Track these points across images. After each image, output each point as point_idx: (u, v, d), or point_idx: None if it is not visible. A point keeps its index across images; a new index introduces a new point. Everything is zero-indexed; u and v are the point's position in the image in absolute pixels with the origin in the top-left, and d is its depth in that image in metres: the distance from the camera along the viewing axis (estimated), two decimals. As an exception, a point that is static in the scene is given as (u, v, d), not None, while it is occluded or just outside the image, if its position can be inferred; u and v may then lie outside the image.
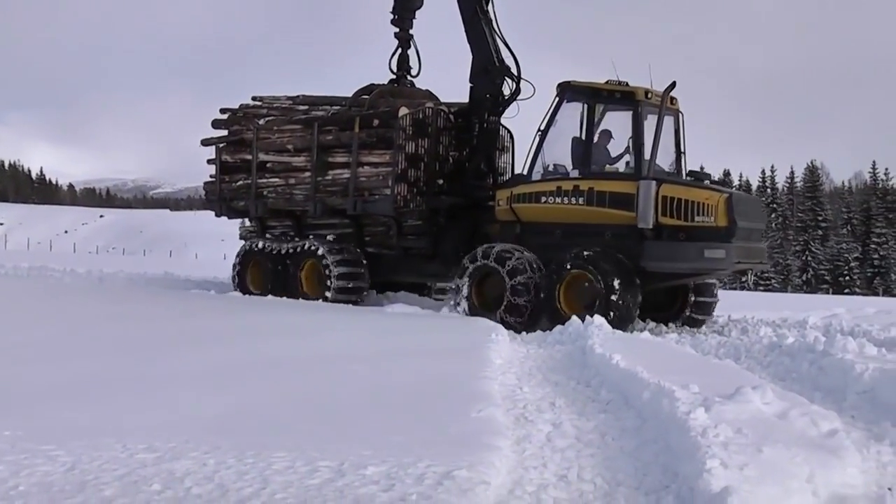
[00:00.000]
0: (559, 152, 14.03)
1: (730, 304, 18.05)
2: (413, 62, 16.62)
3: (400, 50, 16.51)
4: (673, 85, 12.88)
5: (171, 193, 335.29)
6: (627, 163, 13.63)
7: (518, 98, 15.00)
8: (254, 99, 17.71)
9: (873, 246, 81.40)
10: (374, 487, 4.33)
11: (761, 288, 70.34)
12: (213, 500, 4.05)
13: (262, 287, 16.33)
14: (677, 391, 6.37)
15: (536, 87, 14.94)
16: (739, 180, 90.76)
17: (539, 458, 5.50)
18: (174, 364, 7.87)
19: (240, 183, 17.11)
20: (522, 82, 14.98)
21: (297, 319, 12.11)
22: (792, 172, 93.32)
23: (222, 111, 17.74)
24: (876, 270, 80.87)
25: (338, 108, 16.31)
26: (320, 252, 15.32)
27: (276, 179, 16.50)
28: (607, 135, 13.83)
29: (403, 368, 8.10)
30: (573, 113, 13.89)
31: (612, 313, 12.29)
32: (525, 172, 14.06)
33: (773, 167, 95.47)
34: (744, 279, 36.18)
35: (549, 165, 13.96)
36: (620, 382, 7.57)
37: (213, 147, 17.69)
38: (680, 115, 13.77)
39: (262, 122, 16.76)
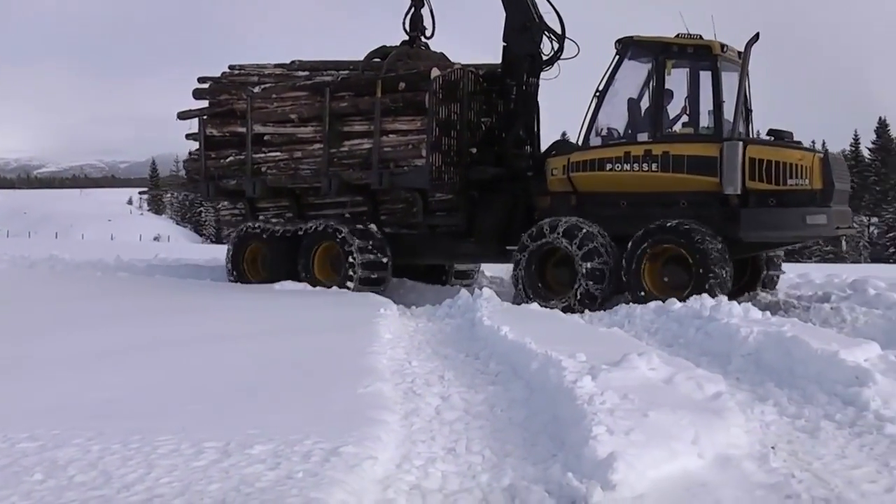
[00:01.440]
0: (618, 115, 12.72)
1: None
2: (427, 22, 14.96)
3: (413, 9, 14.82)
4: (756, 37, 11.64)
5: (56, 172, 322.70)
6: (684, 124, 12.45)
7: (561, 58, 13.54)
8: (231, 68, 15.75)
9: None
10: (261, 466, 4.30)
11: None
12: (97, 488, 3.96)
13: (264, 274, 14.46)
14: (564, 360, 6.45)
15: (579, 46, 13.53)
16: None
17: (427, 431, 5.53)
18: (56, 347, 7.76)
19: (230, 159, 15.12)
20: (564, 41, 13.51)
21: (187, 299, 12.16)
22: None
23: (202, 80, 15.71)
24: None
25: (345, 72, 14.51)
26: (342, 234, 13.52)
27: (278, 153, 14.61)
28: (668, 94, 12.53)
29: (291, 346, 8.11)
30: (636, 72, 12.59)
31: (712, 293, 11.04)
32: (582, 138, 12.66)
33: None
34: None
35: (603, 129, 12.62)
36: (509, 354, 7.61)
37: (196, 121, 15.64)
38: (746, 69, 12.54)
39: (257, 89, 14.83)
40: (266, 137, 14.71)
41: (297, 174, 14.42)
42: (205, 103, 15.66)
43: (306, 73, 14.92)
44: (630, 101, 12.66)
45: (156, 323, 9.61)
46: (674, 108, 12.62)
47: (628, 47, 12.38)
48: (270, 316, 10.43)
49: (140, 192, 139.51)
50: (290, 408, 5.54)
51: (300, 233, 14.14)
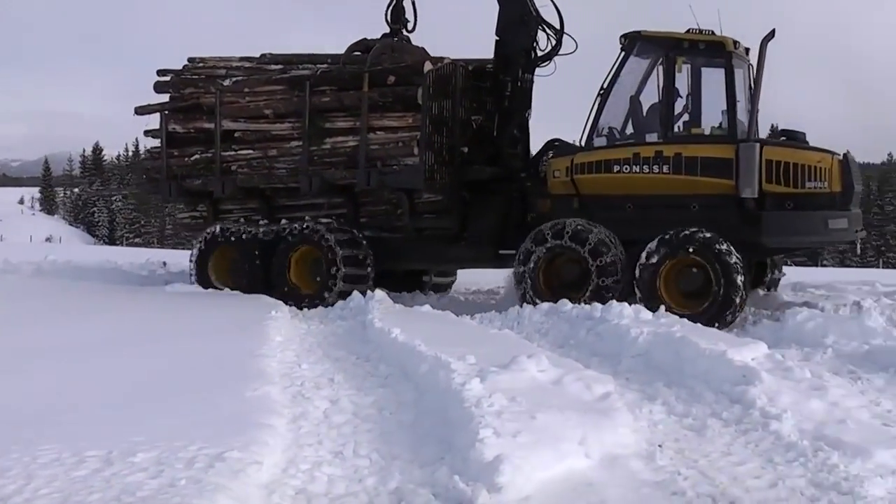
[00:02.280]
0: (622, 114, 12.12)
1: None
2: (409, 15, 14.12)
3: (395, 1, 13.97)
4: (772, 34, 11.17)
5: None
6: (686, 123, 11.93)
7: (559, 53, 12.88)
8: (191, 60, 14.66)
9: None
10: (143, 475, 4.24)
11: None
12: None
13: (232, 280, 13.41)
14: (454, 363, 6.50)
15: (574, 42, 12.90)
16: None
17: (315, 435, 5.54)
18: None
19: (196, 157, 14.01)
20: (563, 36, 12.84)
21: (75, 302, 11.81)
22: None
23: (162, 72, 14.58)
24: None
25: (324, 66, 13.58)
26: (329, 242, 12.58)
27: (250, 151, 13.58)
28: (677, 93, 11.97)
29: (179, 349, 7.95)
30: (642, 69, 12.02)
31: (732, 305, 10.53)
32: (585, 138, 12.02)
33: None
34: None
35: (604, 129, 12.00)
36: (399, 356, 7.63)
37: (156, 116, 14.51)
38: (751, 67, 12.09)
39: (227, 82, 13.79)
40: (237, 134, 13.68)
41: (271, 173, 13.44)
42: (165, 97, 14.54)
43: (279, 66, 13.91)
44: (635, 99, 12.06)
45: (41, 327, 9.38)
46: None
47: (635, 43, 11.79)
48: (159, 319, 10.22)
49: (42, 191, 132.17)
50: (176, 413, 5.47)
51: (277, 236, 13.14)
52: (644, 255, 11.07)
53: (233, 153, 13.66)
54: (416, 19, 14.06)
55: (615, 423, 5.47)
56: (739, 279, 10.66)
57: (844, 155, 11.14)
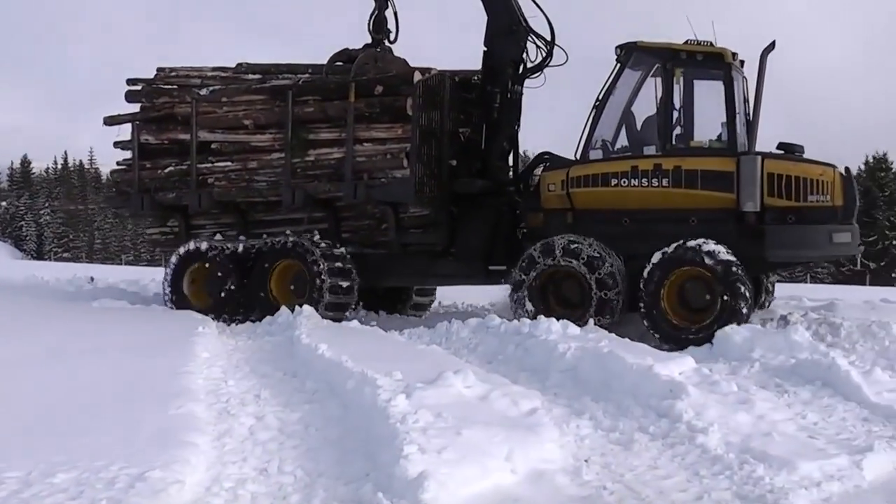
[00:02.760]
0: (615, 126, 11.85)
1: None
2: (391, 26, 13.71)
3: (377, 11, 13.55)
4: (772, 45, 10.98)
5: None
6: (678, 136, 11.61)
7: (549, 65, 12.58)
8: (160, 70, 14.10)
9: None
10: (62, 496, 4.19)
11: None
12: None
13: (210, 300, 12.83)
14: (380, 379, 6.50)
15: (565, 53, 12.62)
16: None
17: (239, 452, 5.48)
18: None
19: (170, 169, 13.43)
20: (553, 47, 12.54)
21: None
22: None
23: (133, 81, 13.99)
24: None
25: (306, 76, 13.13)
26: (314, 255, 12.11)
27: (228, 163, 13.05)
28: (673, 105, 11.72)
29: (102, 366, 7.76)
30: (638, 80, 11.77)
31: (739, 316, 10.28)
32: (580, 151, 11.71)
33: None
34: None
35: (597, 141, 11.71)
36: (326, 372, 7.60)
37: (126, 126, 13.90)
38: (745, 79, 11.89)
39: (203, 92, 13.25)
40: (214, 145, 13.15)
41: (250, 186, 12.92)
42: (135, 107, 13.95)
43: (257, 76, 13.43)
44: (629, 111, 11.81)
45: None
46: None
47: (631, 53, 11.52)
48: (84, 335, 9.94)
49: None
50: (98, 432, 5.34)
51: (258, 251, 12.61)
52: (649, 269, 10.76)
53: (209, 165, 13.12)
54: (397, 30, 13.67)
55: (541, 438, 5.47)
56: (745, 289, 10.41)
57: (846, 168, 10.99)
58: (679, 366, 7.68)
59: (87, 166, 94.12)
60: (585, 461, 5.48)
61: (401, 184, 11.86)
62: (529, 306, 11.17)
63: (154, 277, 19.41)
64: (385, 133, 12.09)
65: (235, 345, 10.17)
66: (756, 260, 10.87)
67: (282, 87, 12.78)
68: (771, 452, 5.50)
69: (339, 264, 12.25)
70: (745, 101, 11.74)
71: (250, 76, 13.45)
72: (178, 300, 13.03)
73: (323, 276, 12.04)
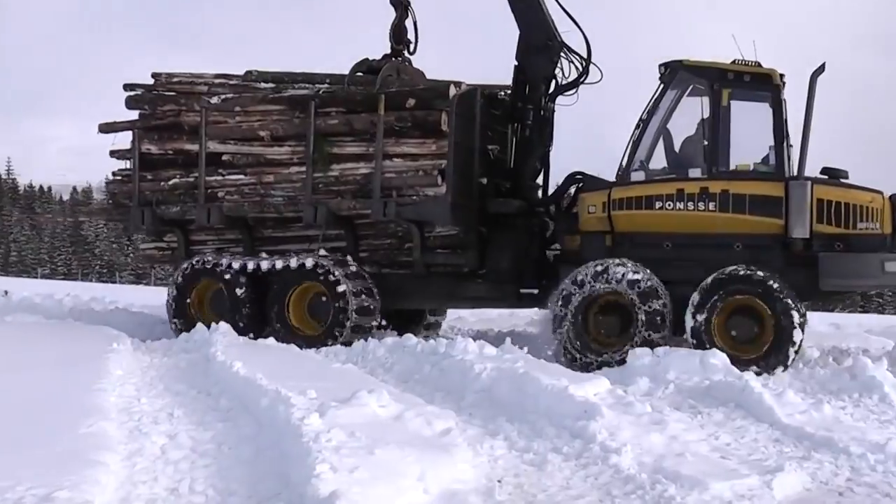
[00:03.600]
0: (659, 147, 11.57)
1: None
2: (410, 35, 13.17)
3: (398, 20, 13.00)
4: (822, 68, 10.81)
5: None
6: (724, 159, 11.21)
7: (584, 82, 12.19)
8: (156, 77, 13.30)
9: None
10: None
11: None
12: None
13: (219, 320, 12.03)
14: (294, 397, 6.49)
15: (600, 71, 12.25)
16: None
17: (150, 472, 5.39)
18: None
19: (174, 181, 12.65)
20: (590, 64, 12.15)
21: None
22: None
23: (130, 87, 13.15)
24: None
25: (324, 86, 12.49)
26: (336, 275, 11.50)
27: (241, 177, 12.33)
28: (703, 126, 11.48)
29: (13, 383, 7.55)
30: (684, 100, 11.50)
31: (791, 353, 10.03)
32: (621, 172, 11.36)
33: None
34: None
35: (636, 163, 11.39)
36: (241, 390, 7.55)
37: (123, 135, 13.11)
38: (785, 101, 11.66)
39: (214, 100, 12.50)
40: (225, 157, 12.42)
41: (264, 201, 12.22)
42: (133, 114, 13.14)
43: (270, 84, 12.73)
44: (664, 131, 11.51)
45: None
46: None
47: (676, 73, 11.23)
48: None
49: None
50: (4, 451, 5.18)
51: (276, 270, 11.91)
52: (698, 296, 10.43)
53: (220, 178, 12.39)
54: (416, 41, 13.14)
55: (455, 458, 5.50)
56: (798, 318, 10.17)
57: (893, 195, 10.87)
58: (594, 387, 7.71)
59: (3, 177, 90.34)
60: (498, 482, 5.51)
61: (436, 203, 11.34)
62: (572, 334, 10.72)
63: (70, 292, 19.00)
64: (417, 148, 11.55)
65: (150, 362, 10.04)
66: (806, 288, 10.64)
67: (302, 97, 12.13)
68: (683, 472, 5.56)
69: (364, 285, 11.67)
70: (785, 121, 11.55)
71: (262, 85, 12.73)
72: (185, 322, 12.22)
73: (348, 298, 11.44)
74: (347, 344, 11.40)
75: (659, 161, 11.59)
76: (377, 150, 11.53)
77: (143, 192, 12.74)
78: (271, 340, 11.05)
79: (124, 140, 13.13)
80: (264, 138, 12.18)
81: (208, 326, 11.91)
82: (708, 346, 10.19)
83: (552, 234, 12.23)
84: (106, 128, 13.14)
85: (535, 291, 11.95)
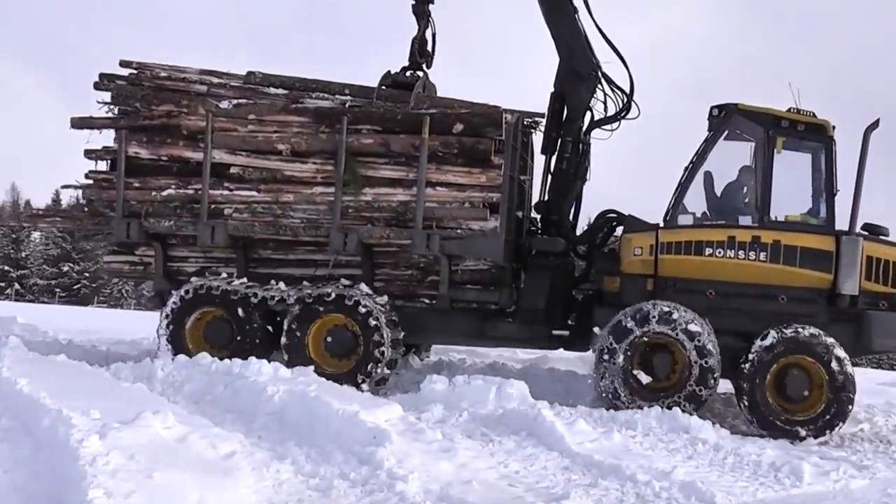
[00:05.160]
0: (707, 191, 11.33)
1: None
2: (429, 48, 12.25)
3: (420, 32, 12.04)
4: (876, 123, 10.82)
5: None
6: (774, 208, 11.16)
7: (625, 117, 11.73)
8: (125, 65, 11.78)
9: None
10: None
11: None
12: None
13: (219, 354, 10.75)
14: (76, 418, 6.24)
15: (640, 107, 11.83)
16: None
17: None
18: None
19: (169, 192, 11.16)
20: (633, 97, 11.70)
21: None
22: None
23: (106, 77, 11.55)
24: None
25: (346, 98, 11.39)
26: (367, 307, 10.58)
27: (252, 193, 11.03)
28: (749, 172, 11.37)
29: None
30: (735, 145, 11.28)
31: (849, 404, 10.06)
32: (669, 215, 11.04)
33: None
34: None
35: (682, 206, 11.13)
36: (23, 409, 7.23)
37: (97, 133, 11.53)
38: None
39: (224, 104, 11.12)
40: (234, 170, 11.08)
41: (279, 222, 11.00)
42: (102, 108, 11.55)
43: (280, 90, 11.48)
44: (708, 176, 11.28)
45: None
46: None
47: (731, 116, 10.99)
48: None
49: None
50: None
51: (294, 299, 10.79)
52: (754, 354, 10.24)
53: (226, 193, 11.05)
54: (433, 54, 12.26)
55: (237, 482, 5.50)
56: (851, 380, 10.20)
57: None
58: (386, 413, 7.73)
59: None
60: None
61: (489, 239, 10.59)
62: (619, 381, 10.29)
63: None
64: (464, 178, 10.73)
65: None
66: (850, 345, 10.68)
67: (331, 110, 11.00)
68: (469, 500, 5.73)
69: (389, 316, 10.85)
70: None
71: (271, 90, 11.46)
72: (179, 346, 10.88)
73: (383, 331, 10.59)
74: (382, 382, 10.57)
75: (698, 204, 11.36)
76: (420, 177, 10.62)
77: (129, 202, 11.19)
78: (62, 357, 10.18)
79: (99, 139, 11.53)
80: (283, 152, 10.96)
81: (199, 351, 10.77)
82: (759, 400, 10.09)
83: (582, 273, 11.78)
84: (80, 123, 11.44)
85: (566, 333, 11.47)
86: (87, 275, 58.15)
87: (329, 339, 10.82)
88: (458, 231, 10.69)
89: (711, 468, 7.76)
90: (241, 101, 11.17)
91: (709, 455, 8.30)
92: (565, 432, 8.00)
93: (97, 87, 11.61)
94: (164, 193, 11.16)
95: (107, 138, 11.67)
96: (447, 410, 9.02)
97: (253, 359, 9.54)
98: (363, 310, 10.57)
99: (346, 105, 11.14)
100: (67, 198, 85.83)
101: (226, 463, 5.83)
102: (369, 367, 10.57)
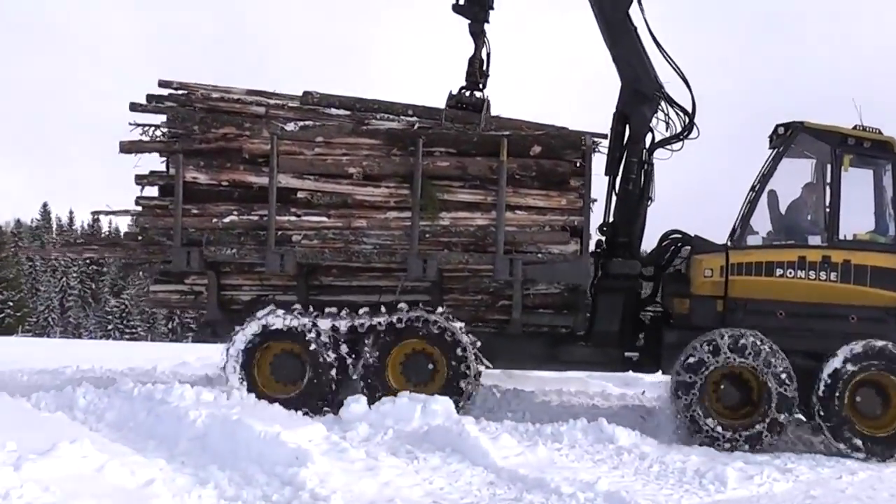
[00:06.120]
0: (771, 210, 11.39)
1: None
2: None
3: (476, 51, 11.78)
4: None
5: None
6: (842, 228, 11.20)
7: (687, 137, 11.70)
8: (163, 84, 11.23)
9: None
10: None
11: (127, 337, 68.21)
12: None
13: (291, 388, 10.51)
14: None
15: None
16: (109, 225, 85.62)
17: None
18: None
19: (231, 219, 10.65)
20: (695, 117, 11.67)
21: None
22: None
23: (153, 99, 11.00)
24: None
25: (412, 119, 11.08)
26: (453, 334, 10.38)
27: (322, 219, 10.60)
28: (812, 190, 11.51)
29: None
30: (800, 163, 11.38)
31: None
32: (737, 235, 11.08)
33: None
34: None
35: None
36: None
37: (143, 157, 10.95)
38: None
39: (290, 126, 10.67)
40: (301, 195, 10.64)
41: (349, 248, 10.61)
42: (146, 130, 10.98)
43: (343, 111, 11.09)
44: (773, 193, 11.35)
45: None
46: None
47: (796, 135, 11.07)
48: None
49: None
50: None
51: (367, 328, 10.46)
52: (830, 372, 10.32)
53: (294, 219, 10.60)
54: (488, 74, 12.01)
55: None
56: None
57: None
58: (309, 433, 7.78)
59: None
60: None
61: (572, 263, 10.44)
62: (699, 411, 10.22)
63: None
64: (543, 201, 10.55)
65: None
66: None
67: (404, 132, 10.68)
68: None
69: (470, 340, 10.63)
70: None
71: (332, 111, 11.05)
72: (249, 387, 10.40)
73: (469, 357, 10.42)
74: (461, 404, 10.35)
75: (762, 223, 11.42)
76: (500, 200, 10.39)
77: (189, 229, 10.64)
78: None
79: (149, 164, 10.97)
80: (353, 176, 10.58)
81: (267, 391, 10.40)
82: (842, 421, 10.17)
83: (649, 295, 11.72)
84: (131, 147, 10.84)
85: (636, 355, 11.40)
86: (10, 304, 55.92)
87: (400, 363, 10.62)
88: (539, 255, 10.50)
89: (637, 477, 7.88)
90: (306, 122, 10.72)
91: (634, 464, 8.43)
92: (490, 447, 8.08)
93: (134, 108, 11.03)
94: (227, 220, 10.64)
95: (152, 163, 11.13)
96: (372, 429, 9.10)
97: (176, 383, 9.65)
98: (449, 336, 10.37)
99: (415, 126, 10.83)
100: (80, 223, 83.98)
101: (144, 490, 5.82)
102: (463, 384, 10.43)
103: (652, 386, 13.52)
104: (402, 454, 8.14)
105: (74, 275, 79.90)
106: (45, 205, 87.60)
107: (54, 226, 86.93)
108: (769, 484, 7.95)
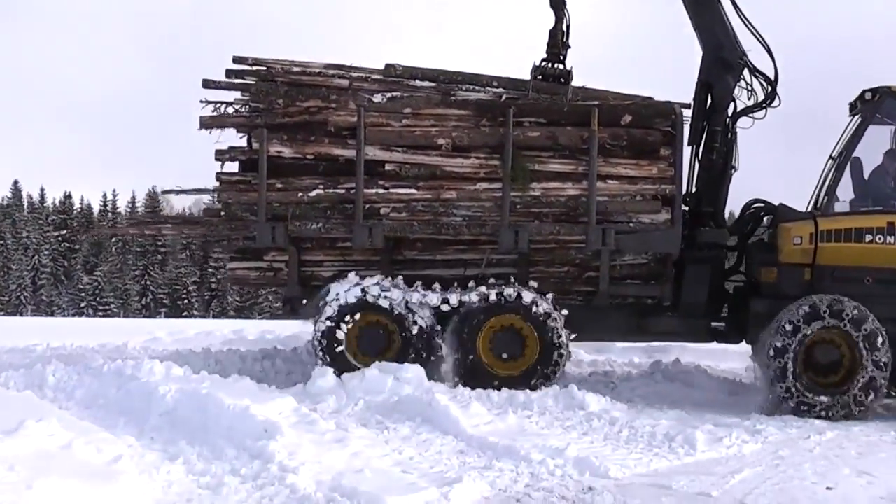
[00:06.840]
0: (855, 177, 11.27)
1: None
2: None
3: (556, 23, 11.62)
4: None
5: None
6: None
7: (770, 105, 11.59)
8: (239, 60, 11.06)
9: (210, 270, 76.96)
10: None
11: (100, 314, 67.92)
12: None
13: (372, 360, 10.26)
14: None
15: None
16: (80, 203, 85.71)
17: None
18: None
19: (317, 192, 10.51)
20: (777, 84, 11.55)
21: None
22: (133, 197, 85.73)
23: (232, 74, 10.80)
24: (213, 294, 77.99)
25: (498, 90, 10.93)
26: (542, 306, 10.31)
27: (411, 191, 10.47)
28: (894, 157, 11.42)
29: None
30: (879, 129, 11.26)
31: None
32: (823, 203, 11.01)
33: (115, 191, 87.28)
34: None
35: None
36: None
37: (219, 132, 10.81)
38: None
39: (377, 98, 10.52)
40: (389, 167, 10.49)
41: (438, 220, 10.49)
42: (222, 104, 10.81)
43: (428, 83, 10.93)
44: (857, 160, 11.24)
45: None
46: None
47: (884, 100, 10.97)
48: None
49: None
50: None
51: (458, 303, 10.35)
52: None
53: (382, 192, 10.46)
54: (570, 47, 11.85)
55: (122, 486, 5.42)
56: None
57: None
58: (278, 406, 7.75)
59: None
60: None
61: (665, 232, 10.35)
62: (797, 379, 10.13)
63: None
64: (634, 170, 10.44)
65: None
66: None
67: (493, 102, 10.54)
68: (361, 489, 5.68)
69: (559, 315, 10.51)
70: None
71: (417, 83, 10.89)
72: (335, 358, 10.29)
73: (560, 332, 10.35)
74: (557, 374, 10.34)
75: (845, 189, 11.33)
76: (591, 170, 10.27)
77: (274, 205, 10.49)
78: None
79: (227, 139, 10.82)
80: (442, 147, 10.44)
81: (355, 361, 10.30)
82: None
83: (733, 264, 11.64)
84: (212, 122, 10.66)
85: (722, 325, 11.32)
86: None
87: (492, 339, 10.50)
88: (630, 224, 10.40)
89: (606, 442, 7.89)
90: (393, 94, 10.56)
91: (604, 430, 8.41)
92: (460, 416, 8.08)
93: (207, 85, 10.84)
94: (312, 194, 10.49)
95: (230, 138, 10.97)
96: (342, 400, 9.08)
97: (146, 359, 9.65)
98: (539, 310, 10.23)
99: (503, 97, 10.69)
100: (52, 201, 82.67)
101: (111, 467, 5.76)
102: (547, 368, 10.23)
103: (622, 351, 14.02)
104: (373, 425, 8.18)
105: (46, 252, 78.94)
106: (15, 182, 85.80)
107: (25, 203, 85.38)
108: (738, 445, 7.95)
